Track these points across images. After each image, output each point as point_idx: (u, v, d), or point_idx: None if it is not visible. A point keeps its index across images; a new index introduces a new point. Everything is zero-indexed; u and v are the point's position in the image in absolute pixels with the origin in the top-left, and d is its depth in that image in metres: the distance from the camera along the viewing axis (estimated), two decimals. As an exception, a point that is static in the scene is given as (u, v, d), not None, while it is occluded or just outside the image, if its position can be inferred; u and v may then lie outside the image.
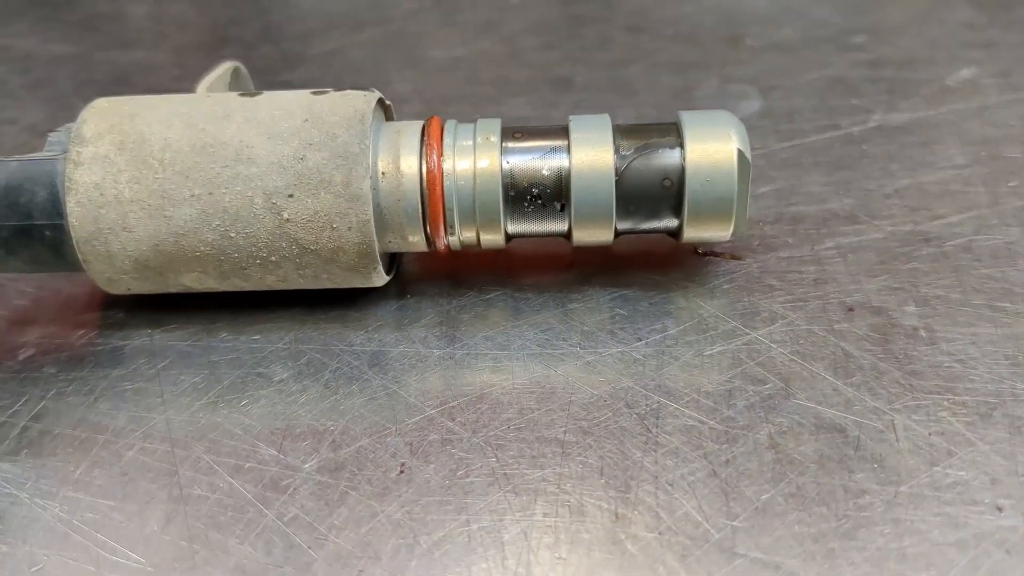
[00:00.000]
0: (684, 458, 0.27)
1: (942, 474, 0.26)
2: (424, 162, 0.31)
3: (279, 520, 0.26)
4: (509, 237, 0.33)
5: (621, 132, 0.32)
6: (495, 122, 0.32)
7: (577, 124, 0.32)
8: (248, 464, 0.28)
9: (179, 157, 0.30)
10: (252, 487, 0.27)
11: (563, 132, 0.32)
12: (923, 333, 0.31)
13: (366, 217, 0.30)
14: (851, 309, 0.32)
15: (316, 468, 0.28)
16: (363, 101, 0.31)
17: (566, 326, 0.32)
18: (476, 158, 0.31)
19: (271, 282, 0.32)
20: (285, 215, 0.30)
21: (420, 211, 0.31)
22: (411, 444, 0.28)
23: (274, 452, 0.28)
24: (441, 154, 0.31)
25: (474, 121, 0.33)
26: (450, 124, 0.32)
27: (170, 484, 0.27)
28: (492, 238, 0.32)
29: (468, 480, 0.27)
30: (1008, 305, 0.32)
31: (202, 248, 0.30)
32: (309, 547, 0.25)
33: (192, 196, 0.30)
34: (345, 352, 0.32)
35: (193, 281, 0.32)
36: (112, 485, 0.27)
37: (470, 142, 0.31)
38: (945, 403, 0.28)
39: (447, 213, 0.31)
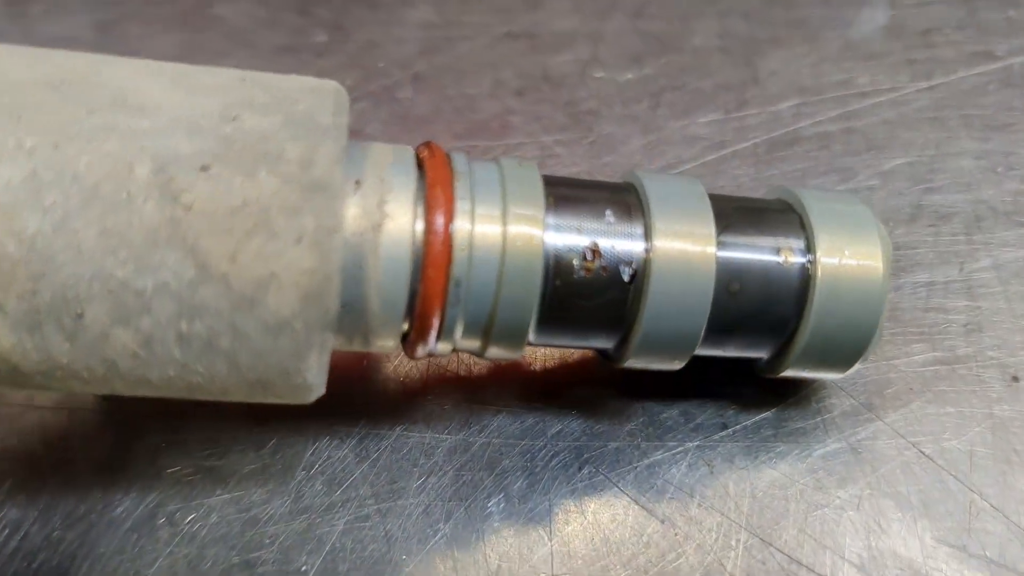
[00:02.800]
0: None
1: None
2: (423, 218, 0.18)
3: None
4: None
5: (721, 215, 0.20)
6: (531, 170, 0.20)
7: (658, 202, 0.20)
8: None
9: (15, 89, 0.17)
10: None
11: (637, 206, 0.20)
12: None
13: (331, 222, 0.17)
14: (1016, 378, 0.24)
15: None
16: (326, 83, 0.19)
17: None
18: (507, 229, 0.19)
19: (118, 348, 0.17)
20: (184, 200, 0.17)
21: (407, 293, 0.19)
22: None
23: None
24: (452, 215, 0.19)
25: (496, 161, 0.20)
26: (460, 161, 0.20)
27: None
28: (505, 353, 0.20)
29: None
30: None
31: (11, 247, 0.16)
32: None
33: (20, 147, 0.17)
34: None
35: None
36: None
37: (498, 206, 0.19)
38: None
39: (448, 305, 0.19)
